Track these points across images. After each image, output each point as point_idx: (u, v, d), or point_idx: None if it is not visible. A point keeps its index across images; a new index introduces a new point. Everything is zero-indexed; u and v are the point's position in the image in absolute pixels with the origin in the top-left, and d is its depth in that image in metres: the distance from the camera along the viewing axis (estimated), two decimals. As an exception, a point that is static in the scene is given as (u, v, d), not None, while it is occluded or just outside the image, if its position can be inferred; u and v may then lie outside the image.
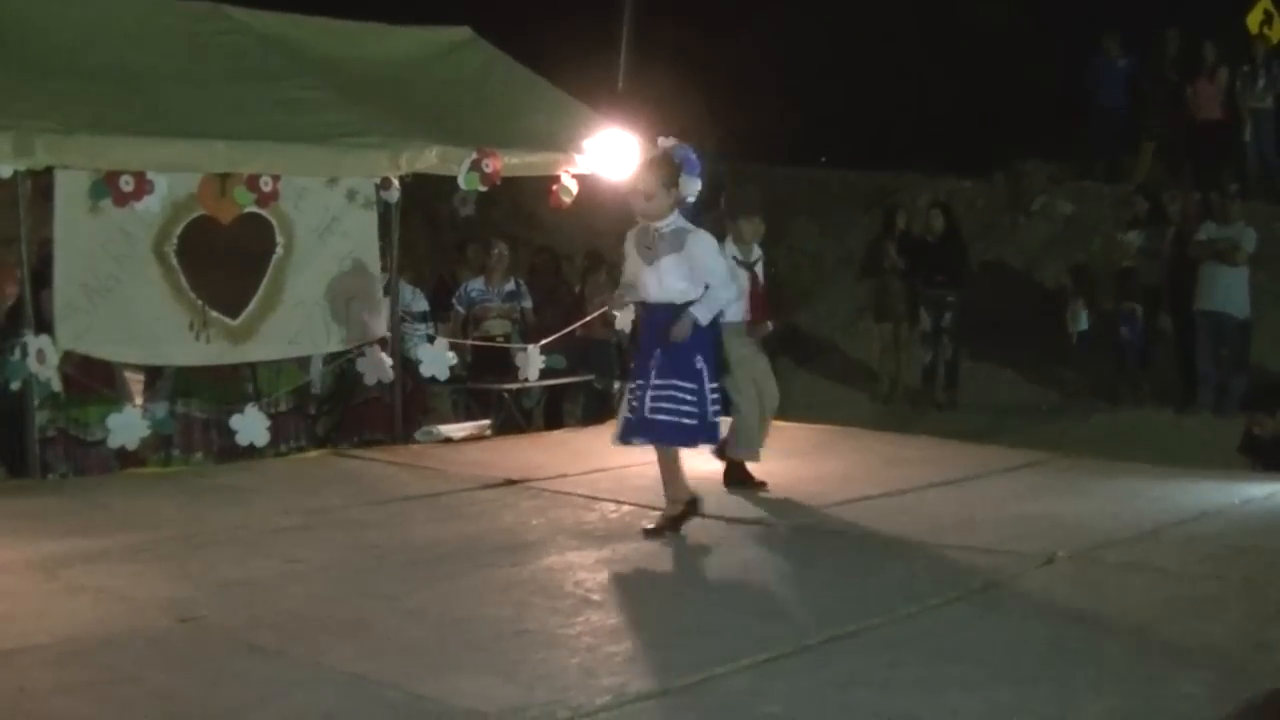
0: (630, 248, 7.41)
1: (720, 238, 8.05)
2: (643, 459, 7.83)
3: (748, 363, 8.51)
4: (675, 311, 7.25)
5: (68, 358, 9.14)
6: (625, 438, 7.43)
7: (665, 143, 7.41)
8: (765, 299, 8.63)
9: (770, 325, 8.64)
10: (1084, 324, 15.00)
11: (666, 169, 7.27)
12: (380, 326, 10.57)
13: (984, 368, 16.02)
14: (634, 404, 7.31)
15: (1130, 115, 17.84)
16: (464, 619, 5.95)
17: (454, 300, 12.17)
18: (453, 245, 13.85)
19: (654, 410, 7.23)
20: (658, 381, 7.23)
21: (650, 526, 7.40)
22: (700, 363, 7.29)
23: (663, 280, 7.28)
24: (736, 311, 8.23)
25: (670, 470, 7.45)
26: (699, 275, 7.31)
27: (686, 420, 7.25)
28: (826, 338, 17.45)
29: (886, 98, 19.91)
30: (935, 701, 4.86)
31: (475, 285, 12.15)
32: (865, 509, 8.16)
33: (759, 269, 8.59)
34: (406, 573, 6.73)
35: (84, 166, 9.11)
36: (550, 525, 7.72)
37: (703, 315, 7.28)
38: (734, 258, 8.25)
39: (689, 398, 7.24)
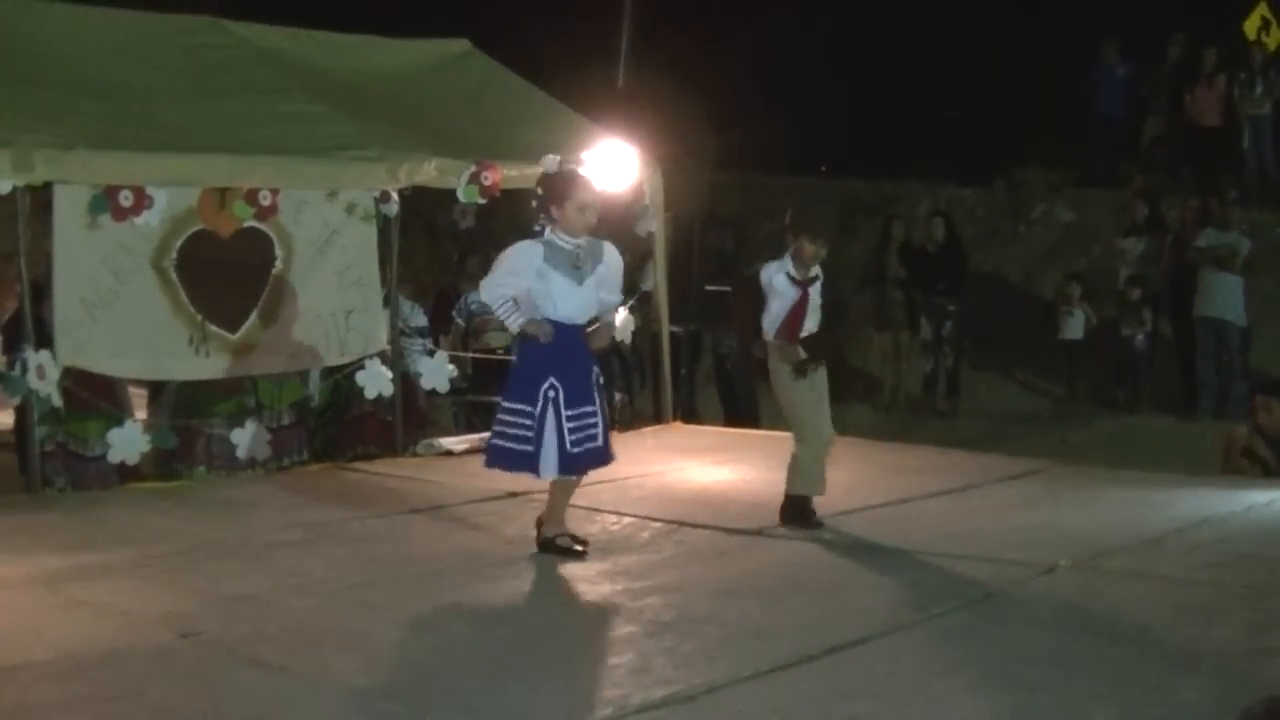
0: (547, 269, 7.08)
1: (775, 254, 8.01)
2: (644, 470, 7.82)
3: (803, 391, 8.03)
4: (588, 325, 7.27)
5: (67, 373, 9.13)
6: (605, 462, 7.40)
7: (554, 159, 7.32)
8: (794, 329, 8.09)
9: (801, 352, 7.95)
10: (1080, 332, 14.97)
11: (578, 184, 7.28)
12: (380, 339, 10.57)
13: (985, 376, 16.03)
14: (592, 432, 7.22)
15: (1130, 123, 17.84)
16: (466, 631, 5.96)
17: (454, 313, 12.16)
18: (453, 258, 13.86)
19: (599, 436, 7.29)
20: (589, 409, 7.22)
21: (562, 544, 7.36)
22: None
23: (589, 297, 7.23)
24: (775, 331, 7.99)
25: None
26: (614, 285, 7.37)
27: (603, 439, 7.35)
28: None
29: (886, 106, 19.89)
30: (937, 711, 4.86)
31: (475, 297, 12.12)
32: (867, 518, 8.15)
33: (815, 289, 8.02)
34: (408, 586, 6.73)
35: (83, 181, 9.11)
36: (551, 537, 7.70)
37: (620, 325, 7.32)
38: (787, 274, 7.92)
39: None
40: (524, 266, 7.12)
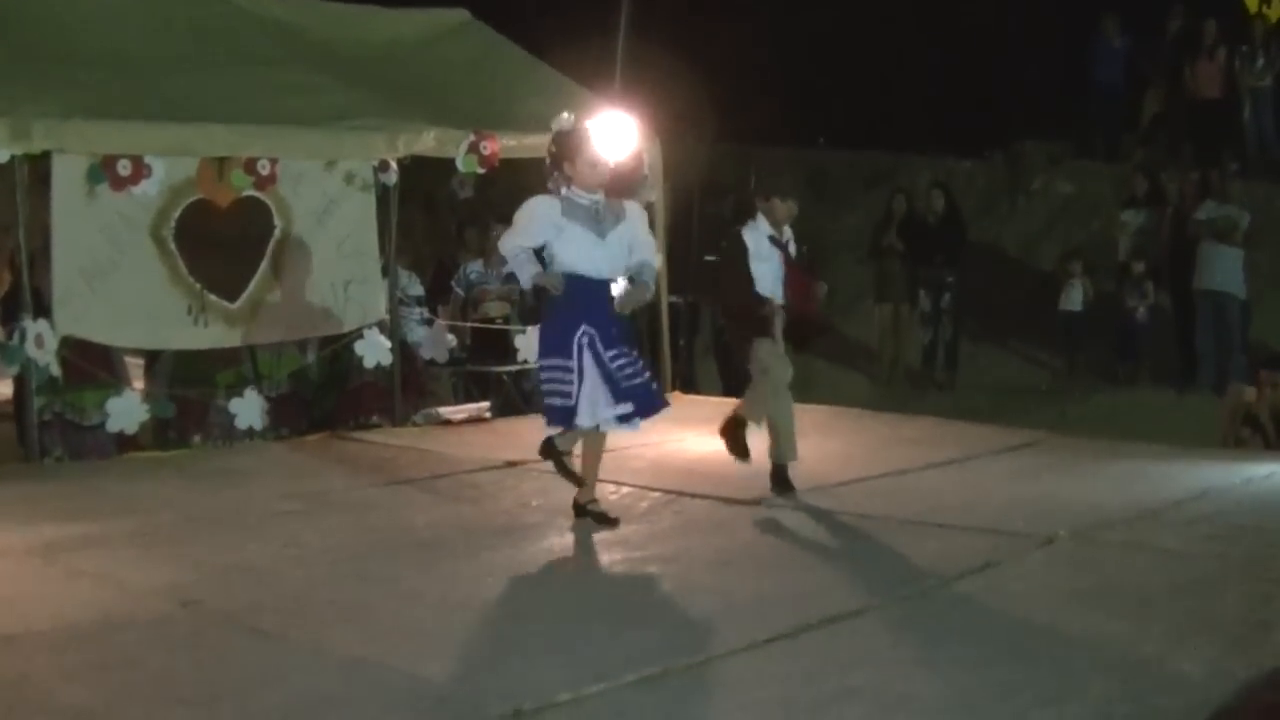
0: (565, 221, 7.08)
1: (747, 217, 8.04)
2: (643, 440, 7.81)
3: (783, 364, 8.16)
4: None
5: (65, 342, 9.12)
6: (650, 413, 7.34)
7: (568, 116, 7.32)
8: (806, 282, 8.34)
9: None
10: (1078, 304, 14.96)
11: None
12: (378, 309, 10.55)
13: (983, 348, 16.02)
14: (639, 375, 7.21)
15: (1129, 95, 17.79)
16: (464, 601, 5.95)
17: (453, 283, 12.15)
18: (451, 228, 13.83)
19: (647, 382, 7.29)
20: (631, 355, 7.23)
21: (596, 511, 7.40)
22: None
23: (614, 252, 7.21)
24: (776, 296, 8.05)
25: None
26: (646, 244, 7.36)
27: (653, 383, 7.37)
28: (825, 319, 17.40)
29: (885, 78, 19.83)
30: (936, 681, 4.86)
31: (474, 267, 12.12)
32: (866, 489, 8.16)
33: (790, 249, 8.23)
34: (406, 555, 6.73)
35: (81, 151, 9.10)
36: (550, 507, 7.71)
37: (650, 284, 7.37)
38: (770, 237, 8.02)
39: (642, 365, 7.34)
40: (541, 218, 7.11)
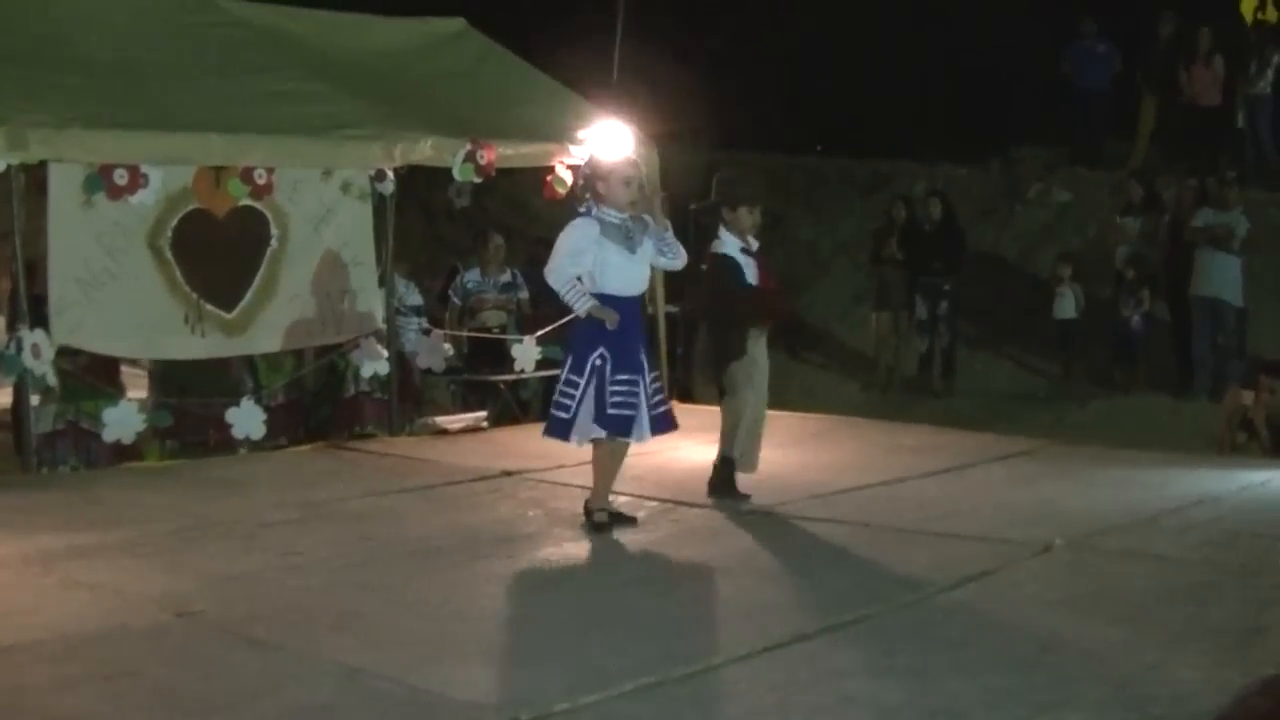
0: (605, 241, 7.21)
1: (712, 228, 8.05)
2: (641, 449, 7.81)
3: (761, 362, 8.12)
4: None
5: (64, 352, 9.12)
6: (653, 432, 7.46)
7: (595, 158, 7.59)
8: (776, 291, 8.38)
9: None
10: (1070, 312, 14.97)
11: None
12: (375, 318, 10.55)
13: (980, 355, 16.03)
14: (631, 400, 7.27)
15: (1111, 100, 17.79)
16: (461, 611, 5.95)
17: (450, 292, 12.16)
18: (451, 236, 13.86)
19: (660, 403, 7.45)
20: (654, 374, 7.40)
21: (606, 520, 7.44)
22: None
23: (644, 268, 7.38)
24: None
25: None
26: (671, 245, 7.48)
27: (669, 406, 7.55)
28: (822, 326, 17.43)
29: (882, 85, 19.86)
30: (933, 690, 4.86)
31: (471, 276, 12.14)
32: (862, 498, 8.16)
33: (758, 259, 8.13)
34: (403, 565, 6.73)
35: (78, 160, 9.08)
36: (547, 516, 7.72)
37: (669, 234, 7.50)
38: (742, 249, 7.97)
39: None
40: (585, 244, 7.23)
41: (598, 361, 7.17)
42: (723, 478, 8.03)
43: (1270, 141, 16.32)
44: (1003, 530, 7.18)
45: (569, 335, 7.66)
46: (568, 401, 7.23)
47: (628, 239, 7.26)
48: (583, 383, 7.18)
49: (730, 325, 8.01)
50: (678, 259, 7.57)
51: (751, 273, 7.99)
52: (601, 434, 7.26)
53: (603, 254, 7.21)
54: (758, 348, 8.04)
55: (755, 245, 8.08)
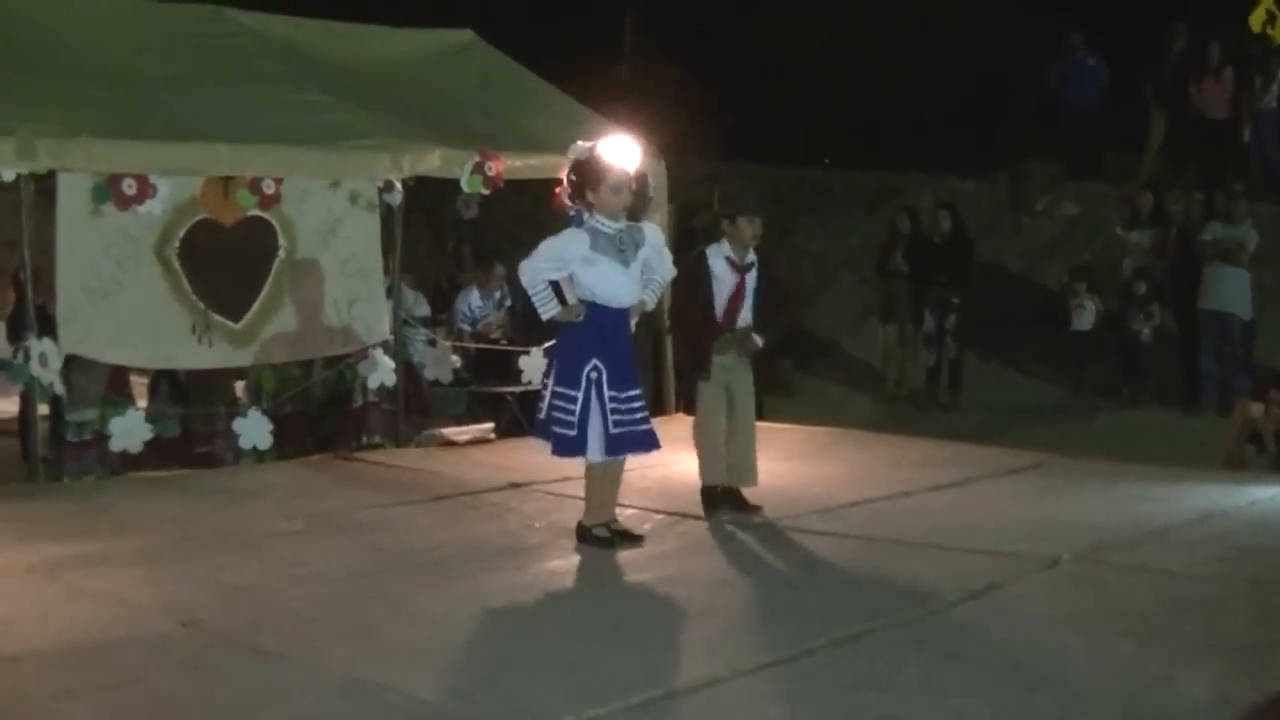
0: (595, 254, 7.12)
1: (711, 239, 7.99)
2: (647, 462, 7.81)
3: (737, 385, 7.99)
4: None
5: (70, 361, 9.14)
6: (650, 447, 7.37)
7: (584, 145, 7.34)
8: (728, 313, 7.97)
9: (759, 340, 8.01)
10: (1089, 325, 14.93)
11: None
12: (383, 329, 10.55)
13: (988, 368, 15.98)
14: (636, 415, 7.24)
15: (1102, 114, 17.78)
16: (466, 622, 5.94)
17: (459, 321, 12.21)
18: (449, 246, 13.87)
19: (646, 420, 7.34)
20: (632, 394, 7.25)
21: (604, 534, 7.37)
22: None
23: (635, 280, 7.29)
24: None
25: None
26: (657, 263, 7.41)
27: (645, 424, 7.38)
28: (829, 339, 17.41)
29: (890, 98, 19.86)
30: (940, 704, 4.85)
31: (474, 300, 12.21)
32: (869, 511, 8.15)
33: (752, 275, 7.96)
34: (409, 576, 6.72)
35: (86, 170, 9.11)
36: (554, 528, 7.71)
37: (649, 300, 7.46)
38: (727, 258, 7.85)
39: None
40: (570, 255, 7.16)
41: (593, 374, 7.09)
42: (706, 505, 7.96)
43: (1277, 155, 16.30)
44: (1010, 544, 7.15)
45: (559, 341, 7.49)
46: (568, 418, 7.10)
47: (620, 250, 7.18)
48: (580, 396, 7.08)
49: (688, 342, 8.00)
50: (652, 299, 7.51)
51: (726, 286, 7.86)
52: (611, 459, 7.22)
53: (594, 267, 7.12)
54: (732, 374, 7.94)
55: (752, 259, 7.95)
